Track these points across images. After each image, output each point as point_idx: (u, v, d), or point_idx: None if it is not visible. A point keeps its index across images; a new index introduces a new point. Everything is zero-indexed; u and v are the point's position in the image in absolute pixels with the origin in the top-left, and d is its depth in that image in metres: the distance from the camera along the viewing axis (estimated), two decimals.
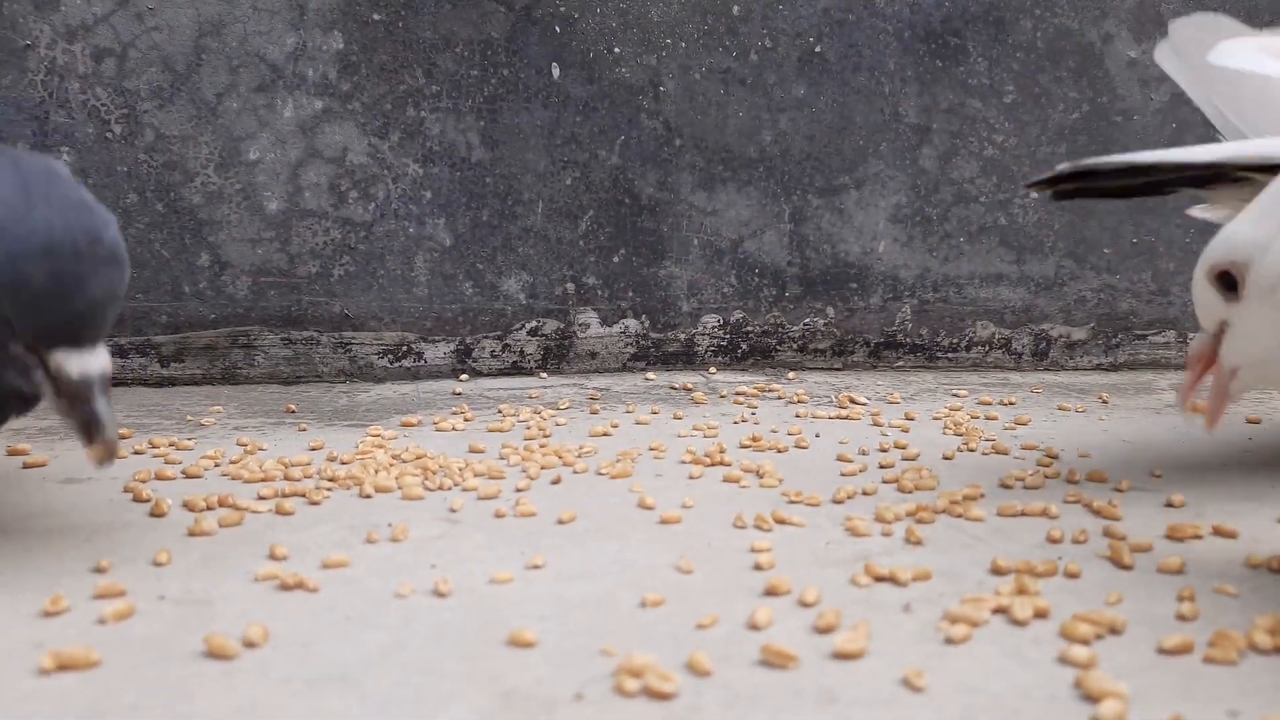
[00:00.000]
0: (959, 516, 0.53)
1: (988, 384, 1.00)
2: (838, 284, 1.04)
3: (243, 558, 0.46)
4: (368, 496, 0.55)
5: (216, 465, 0.62)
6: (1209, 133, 1.09)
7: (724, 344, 1.03)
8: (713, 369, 1.02)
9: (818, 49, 1.00)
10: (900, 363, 1.07)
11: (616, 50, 0.96)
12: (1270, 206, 0.44)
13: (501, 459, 0.64)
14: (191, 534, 0.49)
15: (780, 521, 0.51)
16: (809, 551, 0.48)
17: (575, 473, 0.61)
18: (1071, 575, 0.44)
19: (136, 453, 0.65)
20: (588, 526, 0.51)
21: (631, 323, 1.01)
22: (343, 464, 0.62)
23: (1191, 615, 0.40)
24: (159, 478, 0.59)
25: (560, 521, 0.51)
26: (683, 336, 1.02)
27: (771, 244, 1.02)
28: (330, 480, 0.58)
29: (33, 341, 0.40)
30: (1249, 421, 0.80)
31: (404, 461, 0.61)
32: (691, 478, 0.60)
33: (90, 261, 0.40)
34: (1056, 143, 1.05)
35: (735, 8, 0.97)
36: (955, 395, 0.92)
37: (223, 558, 0.46)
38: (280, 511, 0.52)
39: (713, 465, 0.63)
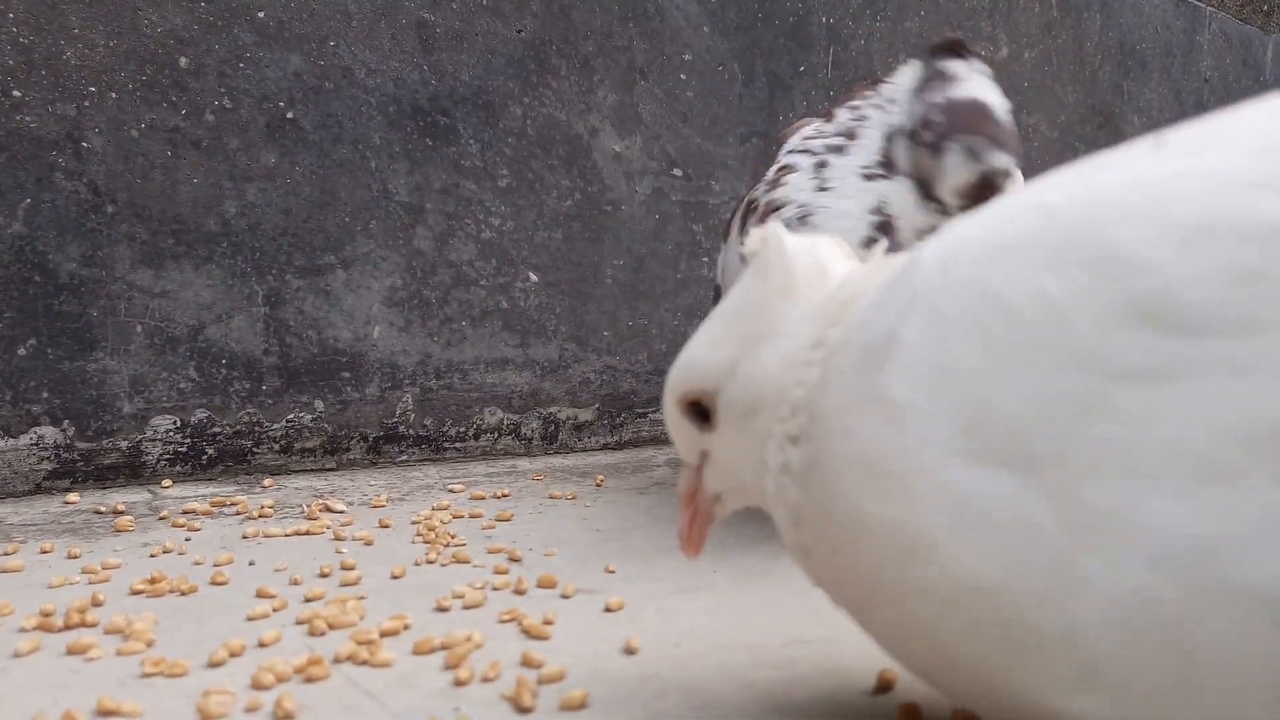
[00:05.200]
0: (362, 664, 0.44)
1: (493, 474, 0.95)
2: (327, 374, 0.93)
3: None
4: None
5: None
6: (687, 224, 1.19)
7: (183, 450, 0.86)
8: (167, 482, 0.84)
9: (290, 115, 0.90)
10: (404, 457, 0.98)
11: (16, 94, 0.77)
12: (727, 323, 0.37)
13: None
14: None
15: (107, 713, 0.38)
16: None
17: None
18: None
19: None
20: None
21: (48, 431, 0.80)
22: None
23: None
24: None
25: None
26: (124, 444, 0.83)
27: (242, 330, 0.88)
28: None
29: None
30: None
31: None
32: (17, 654, 0.44)
33: None
34: (553, 228, 1.07)
35: (183, 60, 0.84)
36: (451, 491, 0.85)
37: None
38: None
39: (65, 629, 0.48)
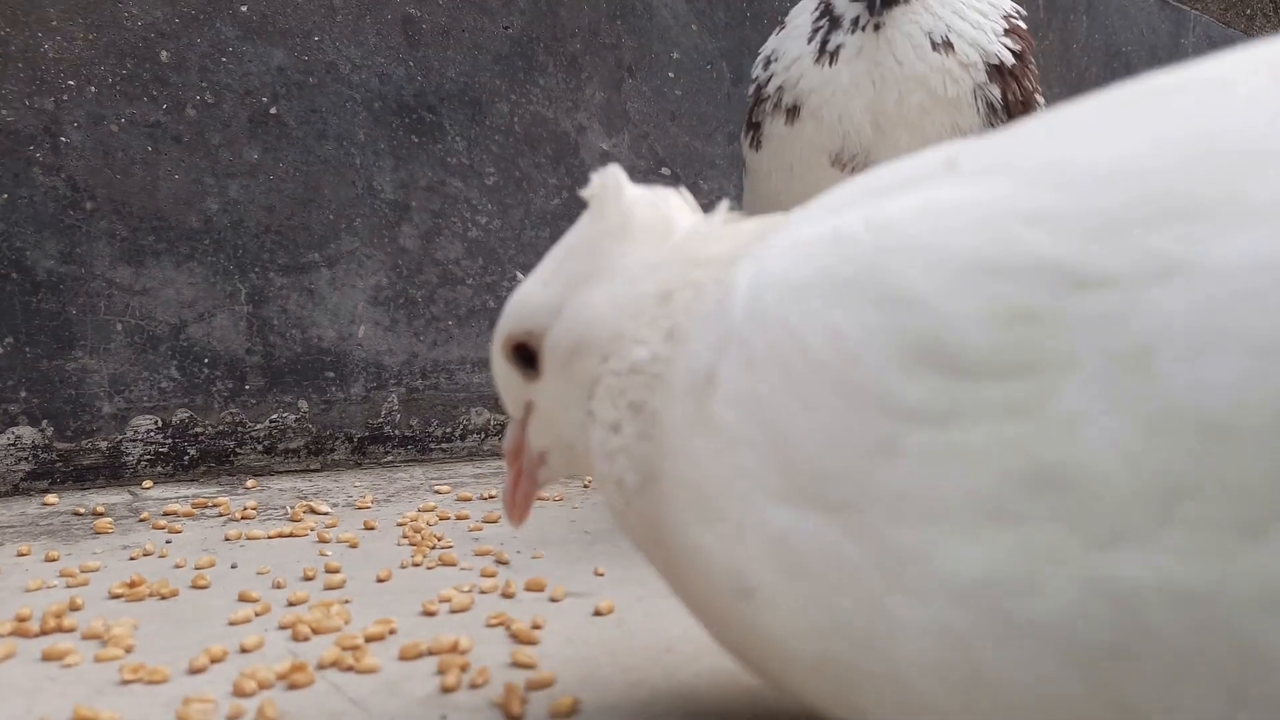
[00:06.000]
0: (347, 670, 0.43)
1: (480, 474, 0.94)
2: (311, 373, 0.92)
3: None
4: None
5: None
6: None
7: (165, 451, 0.85)
8: (148, 483, 0.83)
9: (273, 110, 0.88)
10: (389, 457, 0.97)
11: None
12: (560, 260, 0.35)
13: None
14: None
15: None
16: None
17: None
18: None
19: None
20: None
21: (26, 431, 0.78)
22: None
23: None
24: None
25: None
26: (104, 445, 0.82)
27: (225, 328, 0.87)
28: None
29: None
30: None
31: None
32: None
33: None
34: (540, 227, 1.06)
35: (164, 53, 0.83)
36: (437, 492, 0.84)
37: None
38: None
39: (42, 634, 0.47)
